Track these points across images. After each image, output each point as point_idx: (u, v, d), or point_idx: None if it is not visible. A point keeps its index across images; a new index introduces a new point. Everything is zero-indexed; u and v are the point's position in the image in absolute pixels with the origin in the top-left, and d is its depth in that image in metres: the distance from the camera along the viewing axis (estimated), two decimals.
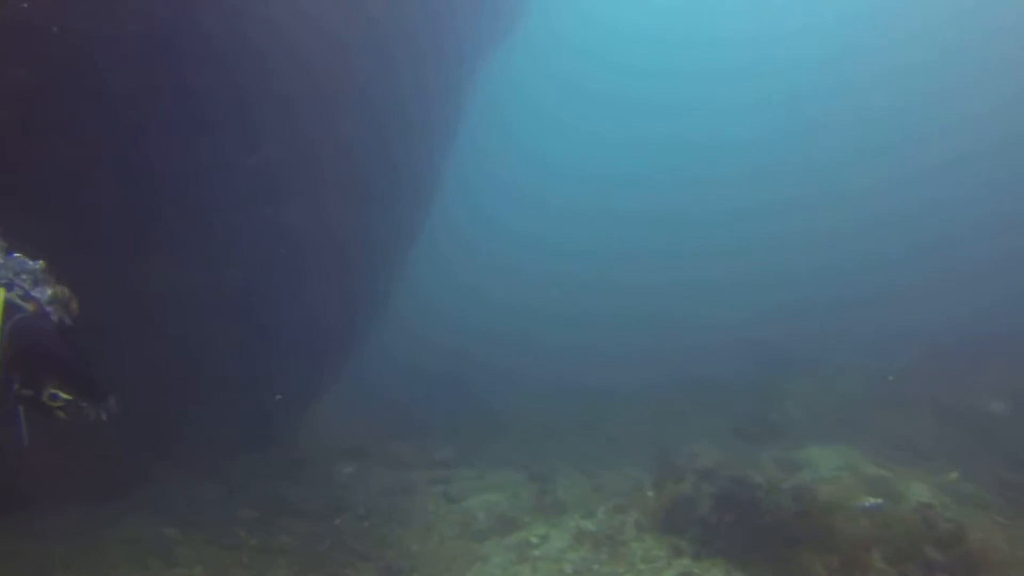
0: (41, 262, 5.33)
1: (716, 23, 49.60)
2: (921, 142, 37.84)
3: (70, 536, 7.95)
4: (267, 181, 10.39)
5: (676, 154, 48.03)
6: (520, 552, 7.56)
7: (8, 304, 4.70)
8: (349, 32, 10.95)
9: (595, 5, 43.46)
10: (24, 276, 5.09)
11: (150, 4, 7.69)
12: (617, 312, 24.49)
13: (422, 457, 11.66)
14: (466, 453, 11.88)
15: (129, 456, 9.03)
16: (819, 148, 42.42)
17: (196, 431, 10.10)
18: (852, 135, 41.70)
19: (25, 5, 6.63)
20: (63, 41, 7.06)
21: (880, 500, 7.06)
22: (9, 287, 4.85)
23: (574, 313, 25.30)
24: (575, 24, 40.93)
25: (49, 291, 5.17)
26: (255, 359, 11.44)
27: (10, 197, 6.96)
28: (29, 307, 4.95)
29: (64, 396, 4.70)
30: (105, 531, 8.28)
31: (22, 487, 8.07)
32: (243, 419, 10.96)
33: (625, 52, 51.96)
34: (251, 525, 8.61)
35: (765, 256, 30.36)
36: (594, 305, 25.65)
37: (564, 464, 10.37)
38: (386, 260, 15.65)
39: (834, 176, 38.54)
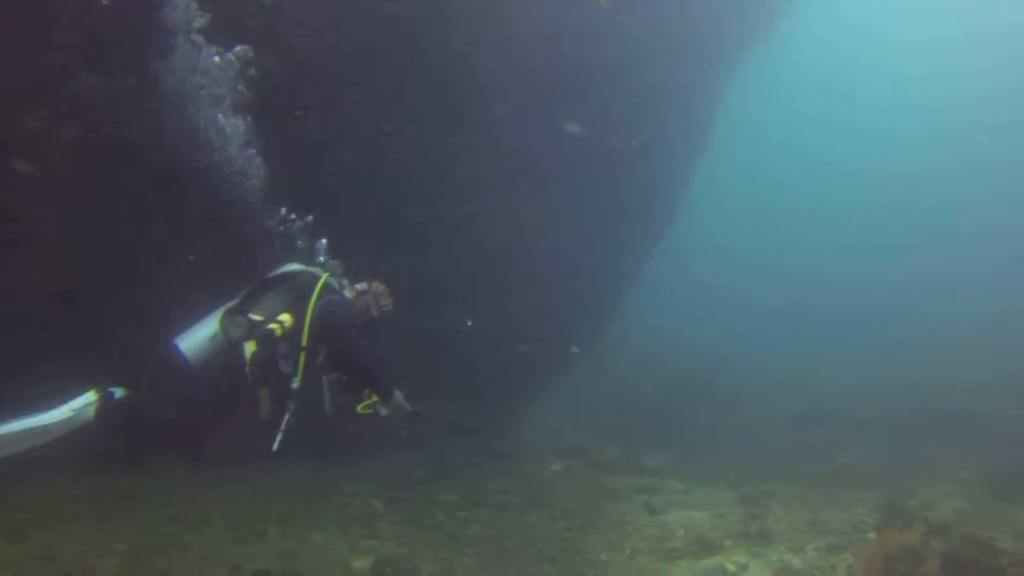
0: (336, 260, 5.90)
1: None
2: None
3: (292, 494, 8.67)
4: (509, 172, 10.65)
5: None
6: None
7: (326, 285, 5.31)
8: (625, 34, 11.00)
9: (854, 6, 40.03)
10: (338, 265, 5.70)
11: None
12: (853, 338, 22.52)
13: (632, 463, 11.33)
14: (678, 464, 11.39)
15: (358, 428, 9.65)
16: None
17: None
18: None
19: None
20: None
21: None
22: (333, 273, 5.54)
23: (806, 338, 23.63)
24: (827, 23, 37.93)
25: (364, 284, 5.81)
26: (494, 345, 11.78)
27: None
28: (349, 294, 5.53)
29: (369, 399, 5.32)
30: (324, 493, 8.95)
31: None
32: (463, 403, 11.34)
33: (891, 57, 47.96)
34: (449, 510, 8.84)
35: None
36: (831, 332, 23.74)
37: (781, 490, 9.53)
38: (630, 263, 15.60)
39: None
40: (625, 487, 9.86)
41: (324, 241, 6.20)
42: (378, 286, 5.83)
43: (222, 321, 5.10)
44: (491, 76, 9.43)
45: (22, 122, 6.14)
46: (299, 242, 6.26)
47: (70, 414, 4.68)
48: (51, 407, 4.68)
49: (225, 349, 5.06)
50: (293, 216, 6.41)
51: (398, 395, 5.38)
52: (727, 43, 14.92)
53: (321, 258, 5.76)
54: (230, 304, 5.23)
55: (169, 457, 8.10)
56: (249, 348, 5.02)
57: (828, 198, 48.51)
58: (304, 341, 5.09)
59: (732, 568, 7.22)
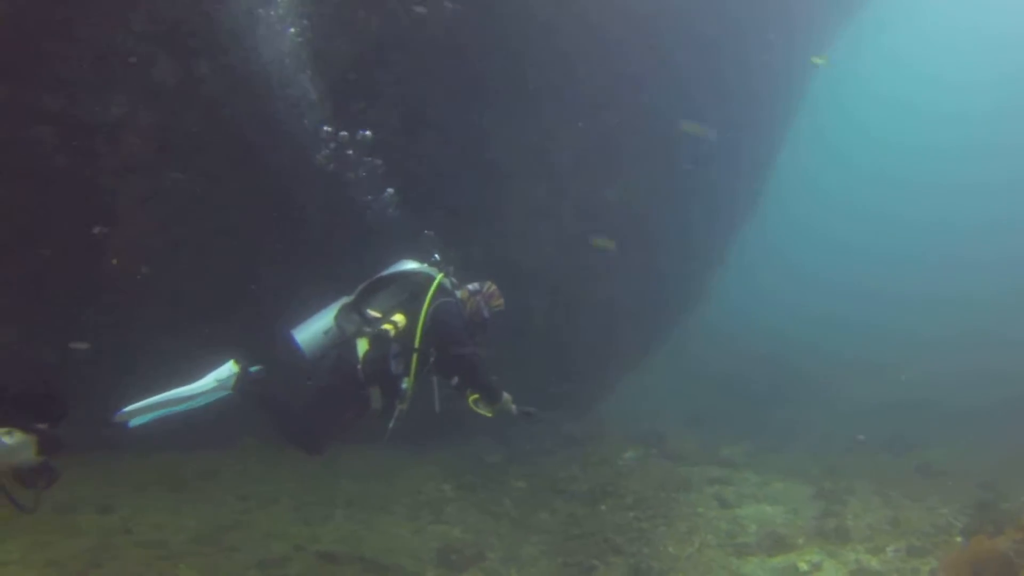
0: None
1: None
2: None
3: (364, 476, 8.82)
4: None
5: None
6: None
7: (440, 286, 5.36)
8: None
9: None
10: (451, 267, 5.78)
11: None
12: (939, 325, 21.39)
13: (708, 452, 11.08)
14: (756, 455, 11.08)
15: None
16: None
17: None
18: None
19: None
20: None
21: None
22: (447, 273, 5.57)
23: (893, 322, 22.59)
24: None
25: (476, 284, 5.82)
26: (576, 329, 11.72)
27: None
28: (461, 295, 5.63)
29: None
30: (395, 477, 9.07)
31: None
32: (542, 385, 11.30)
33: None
34: (517, 497, 8.84)
35: None
36: (914, 321, 22.60)
37: (862, 487, 9.13)
38: (716, 245, 15.29)
39: None
40: (699, 478, 9.65)
41: (429, 233, 6.17)
42: (490, 286, 5.83)
43: (337, 316, 5.25)
44: (576, 58, 9.35)
45: (107, 109, 6.34)
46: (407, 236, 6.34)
47: (213, 384, 4.98)
48: (194, 379, 4.98)
49: (338, 344, 5.21)
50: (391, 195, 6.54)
51: (506, 399, 5.42)
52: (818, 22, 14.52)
53: (436, 256, 5.74)
54: (346, 300, 5.36)
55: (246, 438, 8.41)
56: (361, 345, 5.13)
57: (912, 177, 46.35)
58: (416, 342, 5.15)
59: (804, 567, 6.98)
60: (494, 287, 5.85)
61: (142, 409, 4.80)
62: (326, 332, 5.24)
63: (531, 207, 10.14)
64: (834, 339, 20.97)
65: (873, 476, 9.63)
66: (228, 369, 5.04)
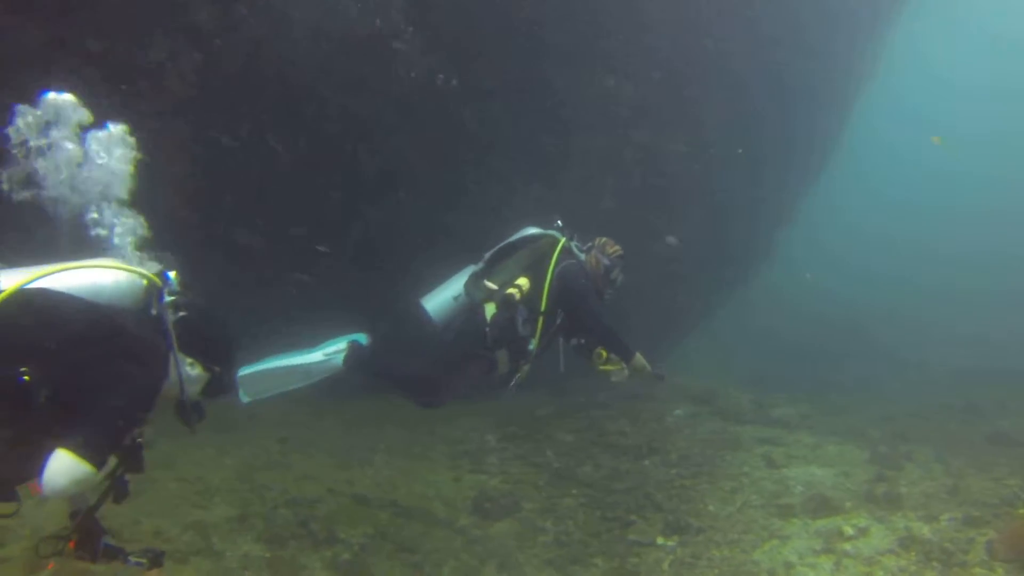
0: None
1: None
2: None
3: (410, 424, 8.87)
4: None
5: None
6: (827, 541, 6.52)
7: (564, 249, 5.55)
8: None
9: None
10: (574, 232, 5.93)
11: None
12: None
13: (761, 412, 10.77)
14: (812, 417, 10.69)
15: None
16: None
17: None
18: None
19: None
20: None
21: None
22: (570, 238, 5.77)
23: (975, 285, 21.44)
24: None
25: (591, 243, 5.96)
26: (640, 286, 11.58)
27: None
28: (585, 259, 5.77)
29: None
30: (441, 426, 9.12)
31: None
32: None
33: None
34: (563, 450, 8.77)
35: None
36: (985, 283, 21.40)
37: (923, 453, 8.71)
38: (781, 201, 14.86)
39: None
40: (749, 437, 9.39)
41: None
42: (600, 239, 5.95)
43: (467, 283, 5.50)
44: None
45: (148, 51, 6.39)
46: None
47: (322, 358, 5.21)
48: (306, 349, 5.26)
49: (467, 310, 5.47)
50: None
51: (639, 357, 5.51)
52: None
53: (559, 222, 5.86)
54: (474, 267, 5.61)
55: None
56: (489, 310, 5.34)
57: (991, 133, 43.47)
58: (542, 305, 5.33)
59: (849, 531, 6.70)
60: (604, 238, 5.97)
61: (258, 379, 5.02)
62: (455, 299, 5.53)
63: (594, 158, 9.96)
64: (907, 303, 20.12)
65: (937, 443, 9.19)
66: (338, 345, 5.25)
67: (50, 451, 2.48)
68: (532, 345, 5.33)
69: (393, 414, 8.81)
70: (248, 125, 7.12)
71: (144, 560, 3.04)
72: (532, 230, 5.75)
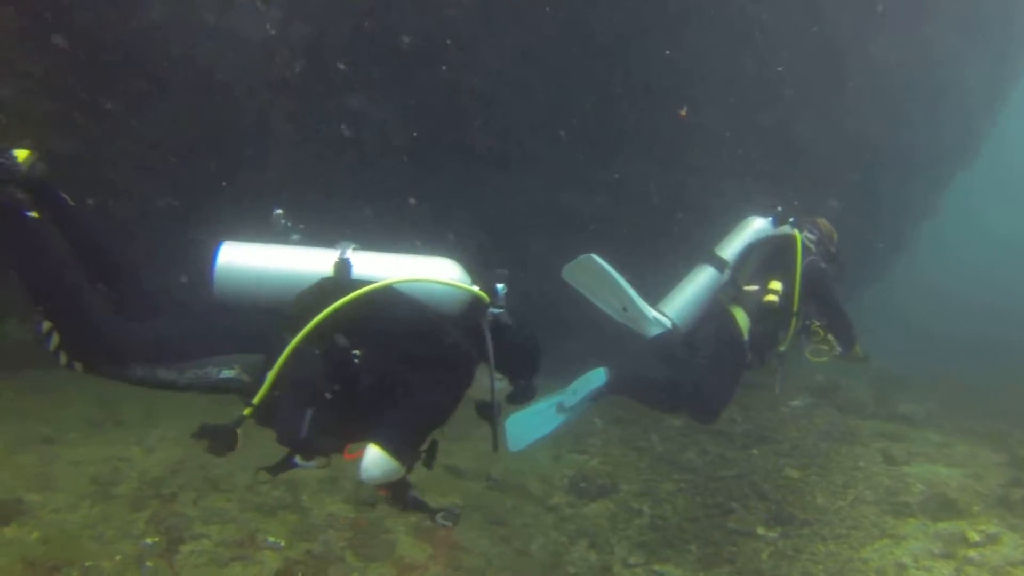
0: None
1: None
2: None
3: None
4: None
5: None
6: (948, 546, 6.05)
7: (804, 245, 5.52)
8: None
9: None
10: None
11: None
12: None
13: (885, 407, 10.13)
14: (943, 415, 9.95)
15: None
16: None
17: None
18: None
19: None
20: None
21: None
22: (800, 229, 5.68)
23: None
24: None
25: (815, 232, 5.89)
26: None
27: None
28: (816, 249, 5.74)
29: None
30: None
31: None
32: None
33: None
34: (668, 434, 8.57)
35: None
36: None
37: None
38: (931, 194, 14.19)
39: None
40: (868, 431, 8.87)
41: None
42: (821, 223, 5.90)
43: (721, 289, 5.47)
44: None
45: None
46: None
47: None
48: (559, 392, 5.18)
49: (713, 314, 5.40)
50: None
51: (856, 346, 5.66)
52: None
53: (779, 208, 5.77)
54: (705, 267, 5.53)
55: None
56: (738, 313, 5.31)
57: None
58: (795, 306, 5.29)
59: (976, 537, 6.19)
60: (822, 219, 5.90)
61: (524, 423, 5.01)
62: (699, 303, 5.40)
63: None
64: None
65: None
66: (588, 381, 5.14)
67: (362, 433, 2.97)
68: (783, 347, 5.37)
69: None
70: None
71: (450, 523, 3.48)
72: (757, 221, 5.68)
